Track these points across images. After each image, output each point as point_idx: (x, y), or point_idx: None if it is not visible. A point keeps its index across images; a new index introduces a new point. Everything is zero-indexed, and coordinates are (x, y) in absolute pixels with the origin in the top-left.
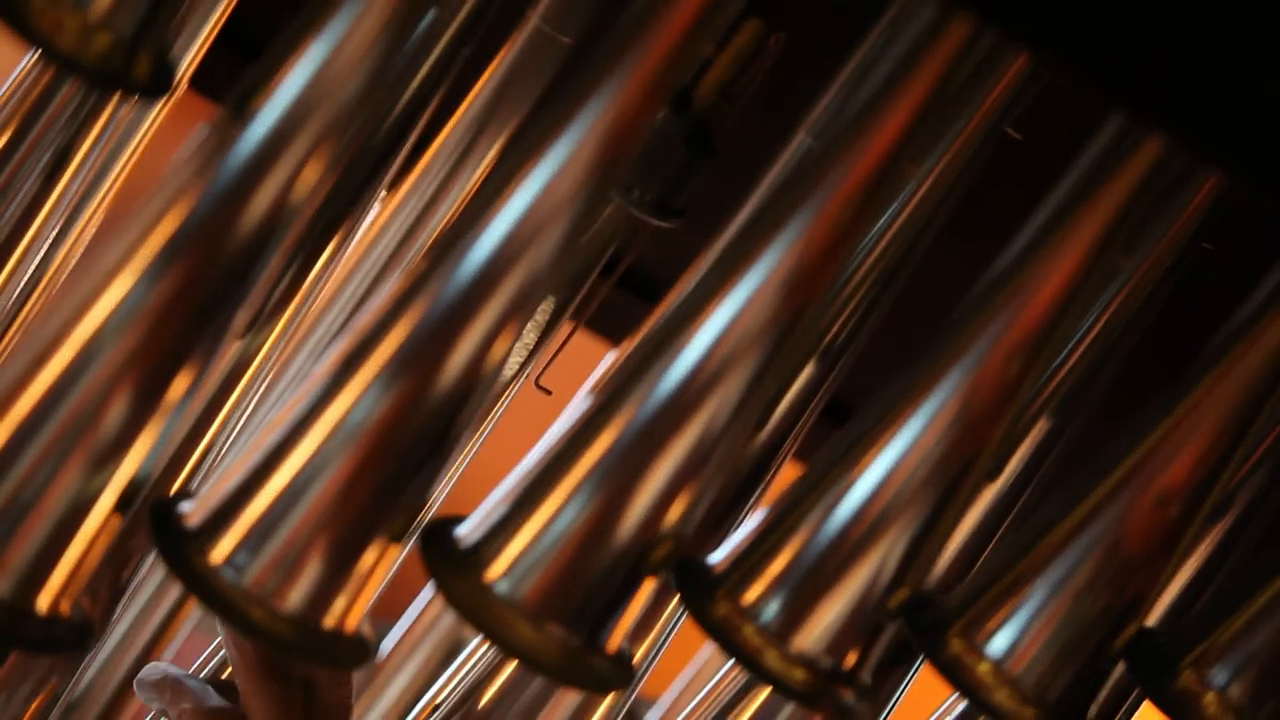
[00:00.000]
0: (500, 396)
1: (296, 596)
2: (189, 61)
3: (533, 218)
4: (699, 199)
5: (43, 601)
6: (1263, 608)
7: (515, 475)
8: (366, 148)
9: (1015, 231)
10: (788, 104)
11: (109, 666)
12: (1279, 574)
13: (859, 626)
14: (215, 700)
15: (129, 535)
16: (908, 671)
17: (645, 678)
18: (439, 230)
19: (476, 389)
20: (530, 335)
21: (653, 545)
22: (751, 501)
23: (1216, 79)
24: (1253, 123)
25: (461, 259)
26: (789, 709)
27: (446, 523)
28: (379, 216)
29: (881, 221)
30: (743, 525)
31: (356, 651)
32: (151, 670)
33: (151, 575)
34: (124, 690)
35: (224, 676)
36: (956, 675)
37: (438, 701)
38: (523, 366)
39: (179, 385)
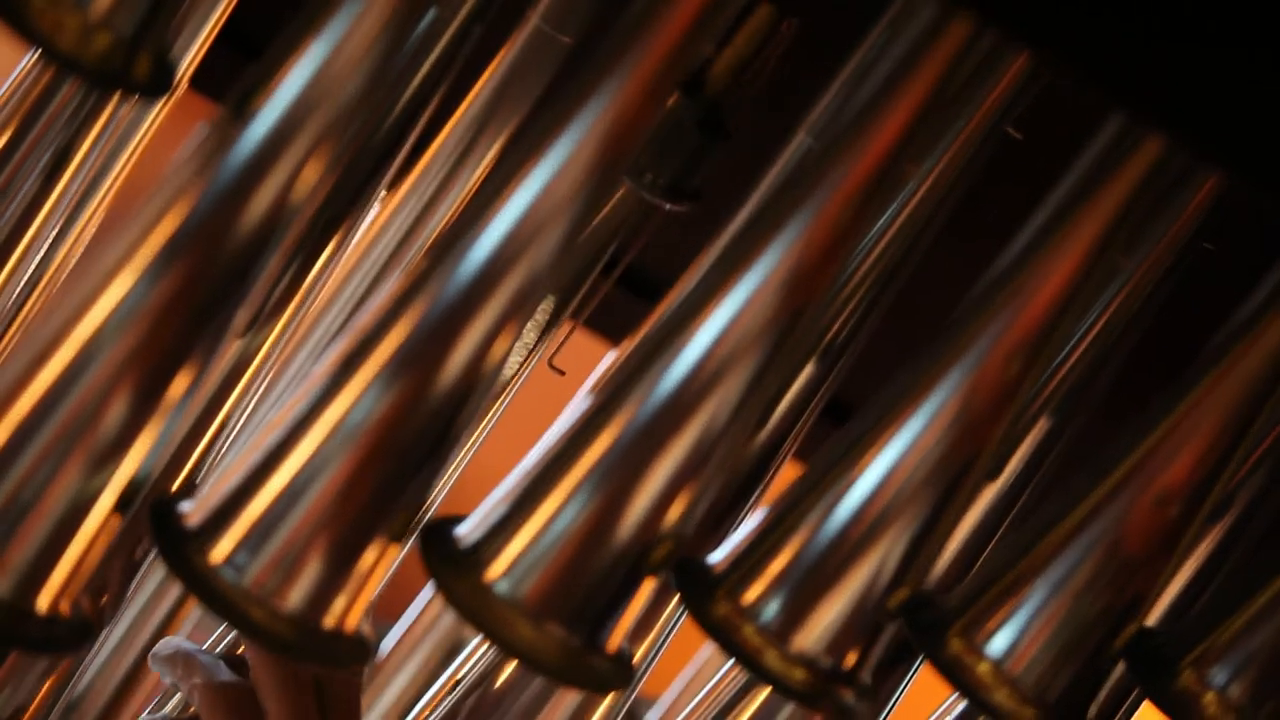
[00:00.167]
0: (500, 396)
1: (296, 596)
2: (189, 61)
3: (532, 217)
4: (700, 199)
5: (43, 601)
6: (1263, 608)
7: (515, 475)
8: (366, 147)
9: (1015, 231)
10: (788, 104)
11: (109, 666)
12: (1279, 574)
13: (859, 626)
14: (227, 675)
15: (129, 535)
16: (908, 671)
17: (645, 678)
18: (439, 230)
19: (476, 389)
20: (530, 335)
21: (653, 545)
22: (751, 501)
23: (1216, 79)
24: (1253, 123)
25: (461, 259)
26: (789, 709)
27: (446, 522)
28: (379, 216)
29: (881, 221)
30: (743, 525)
31: (356, 651)
32: (165, 645)
33: (151, 575)
34: (124, 690)
35: (239, 652)
36: (956, 675)
37: (438, 701)
38: (522, 366)
39: (179, 385)
